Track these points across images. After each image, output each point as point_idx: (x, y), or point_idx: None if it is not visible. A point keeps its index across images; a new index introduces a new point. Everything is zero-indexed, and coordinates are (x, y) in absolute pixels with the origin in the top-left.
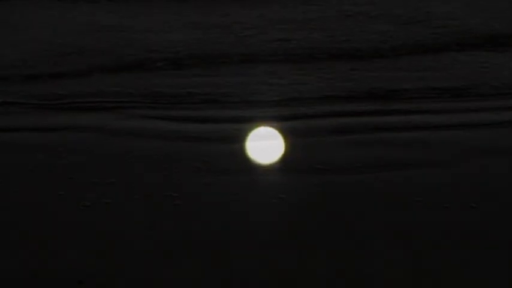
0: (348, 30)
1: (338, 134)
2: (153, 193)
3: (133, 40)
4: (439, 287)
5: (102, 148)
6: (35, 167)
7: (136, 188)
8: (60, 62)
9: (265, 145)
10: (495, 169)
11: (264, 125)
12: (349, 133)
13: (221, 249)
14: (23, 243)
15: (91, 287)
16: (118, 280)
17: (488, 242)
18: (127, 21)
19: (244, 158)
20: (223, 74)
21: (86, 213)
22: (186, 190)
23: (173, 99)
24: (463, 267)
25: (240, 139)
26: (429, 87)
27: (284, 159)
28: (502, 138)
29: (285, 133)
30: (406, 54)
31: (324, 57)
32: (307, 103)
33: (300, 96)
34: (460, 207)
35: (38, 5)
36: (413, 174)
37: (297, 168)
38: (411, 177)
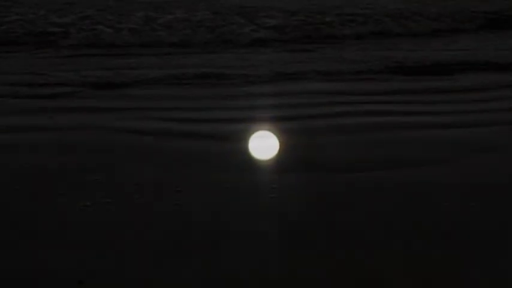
0: None
1: (337, 133)
2: (153, 193)
3: None
4: (439, 286)
5: (103, 148)
6: (35, 167)
7: (137, 188)
8: None
9: (265, 144)
10: (494, 167)
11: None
12: (348, 132)
13: (222, 249)
14: (23, 243)
15: (91, 287)
16: (118, 280)
17: (488, 240)
18: None
19: (245, 157)
20: None
21: (86, 213)
22: (186, 190)
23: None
24: (463, 266)
25: (240, 138)
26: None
27: (284, 158)
28: (502, 137)
29: (284, 132)
30: None
31: None
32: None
33: None
34: (459, 206)
35: None
36: (412, 173)
37: (296, 167)
38: (410, 176)
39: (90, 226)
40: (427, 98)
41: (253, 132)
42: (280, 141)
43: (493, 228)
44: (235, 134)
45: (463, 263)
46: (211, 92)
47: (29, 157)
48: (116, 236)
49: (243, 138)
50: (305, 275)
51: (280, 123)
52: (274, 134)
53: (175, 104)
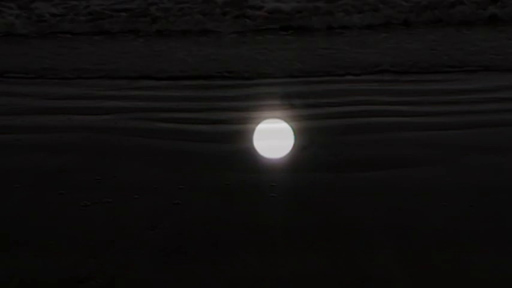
0: None
1: (337, 133)
2: (153, 192)
3: None
4: (438, 286)
5: (103, 147)
6: (35, 167)
7: (137, 187)
8: None
9: (268, 145)
10: (495, 168)
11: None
12: (348, 133)
13: (222, 249)
14: (22, 243)
15: (91, 287)
16: (118, 280)
17: (488, 241)
18: None
19: (245, 158)
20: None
21: (86, 213)
22: (186, 190)
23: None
24: (462, 266)
25: (240, 139)
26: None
27: (284, 158)
28: (502, 138)
29: (284, 133)
30: None
31: None
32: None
33: None
34: (459, 206)
35: None
36: (412, 173)
37: (296, 167)
38: (410, 176)
39: (90, 226)
40: (427, 98)
41: (252, 133)
42: (280, 142)
43: (493, 230)
44: (235, 134)
45: (462, 264)
46: (212, 93)
47: (28, 157)
48: (116, 236)
49: (243, 138)
50: (309, 275)
51: (280, 123)
52: (274, 134)
53: (176, 104)
